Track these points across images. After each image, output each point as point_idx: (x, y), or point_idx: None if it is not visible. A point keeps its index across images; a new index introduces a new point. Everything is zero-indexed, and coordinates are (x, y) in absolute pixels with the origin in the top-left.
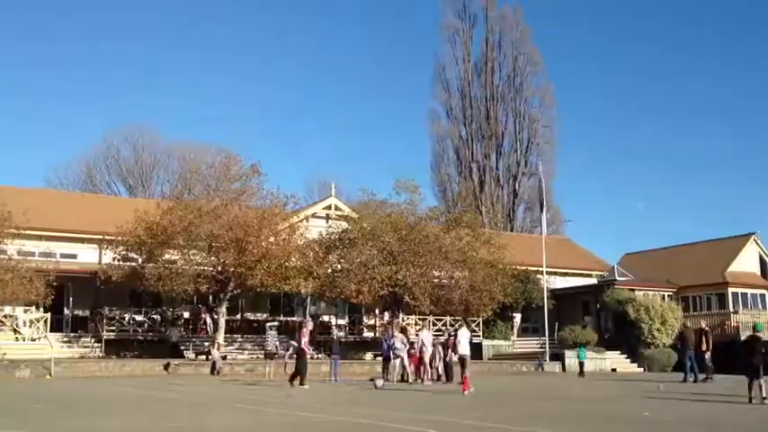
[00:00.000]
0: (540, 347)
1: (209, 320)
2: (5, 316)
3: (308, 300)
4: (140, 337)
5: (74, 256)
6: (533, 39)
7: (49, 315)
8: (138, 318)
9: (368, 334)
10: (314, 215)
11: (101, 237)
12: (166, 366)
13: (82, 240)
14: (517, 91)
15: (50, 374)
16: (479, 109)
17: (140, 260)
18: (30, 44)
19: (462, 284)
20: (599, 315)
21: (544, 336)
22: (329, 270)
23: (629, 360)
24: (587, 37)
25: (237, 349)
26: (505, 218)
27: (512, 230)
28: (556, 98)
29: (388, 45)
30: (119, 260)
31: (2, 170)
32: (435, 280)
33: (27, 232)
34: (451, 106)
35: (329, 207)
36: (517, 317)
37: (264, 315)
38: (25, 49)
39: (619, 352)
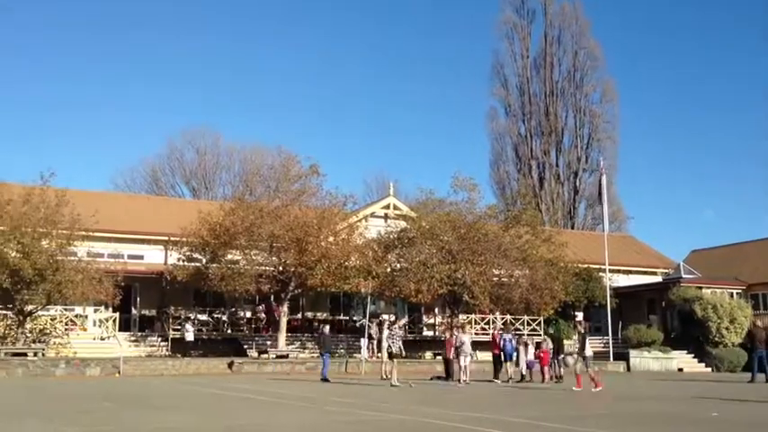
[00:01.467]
0: (604, 347)
1: (265, 315)
2: (76, 316)
3: (368, 299)
4: (204, 336)
5: (140, 257)
6: (593, 33)
7: (117, 315)
8: (203, 317)
9: (427, 333)
10: (372, 215)
11: (166, 238)
12: (230, 365)
13: (148, 242)
14: (577, 86)
15: (119, 372)
16: (538, 105)
17: (204, 260)
18: (94, 49)
19: (522, 283)
20: (664, 314)
21: (607, 335)
22: (388, 269)
23: (696, 360)
24: (651, 29)
25: (298, 348)
26: (566, 215)
27: (572, 228)
28: (618, 93)
29: (446, 43)
30: (183, 261)
31: (71, 174)
32: (495, 278)
33: (96, 234)
34: (510, 103)
35: (388, 206)
36: (579, 316)
37: (325, 314)
38: (89, 54)
39: (685, 351)
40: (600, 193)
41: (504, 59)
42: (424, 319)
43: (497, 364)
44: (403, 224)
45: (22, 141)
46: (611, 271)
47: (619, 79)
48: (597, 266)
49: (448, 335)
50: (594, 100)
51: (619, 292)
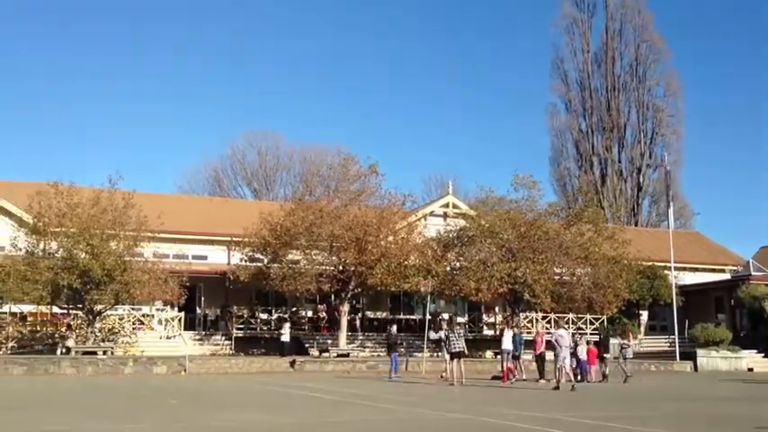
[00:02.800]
0: (670, 346)
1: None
2: (144, 315)
3: (428, 298)
4: (266, 335)
5: (204, 258)
6: (656, 26)
7: (182, 314)
8: (264, 316)
9: (488, 332)
10: (431, 213)
11: (229, 239)
12: (292, 363)
13: (211, 242)
14: (640, 80)
15: (185, 371)
16: (600, 100)
17: (266, 260)
18: (155, 53)
19: (585, 281)
20: (733, 312)
21: (673, 334)
22: (448, 268)
23: (767, 359)
24: (715, 21)
25: (359, 347)
26: (629, 212)
27: (636, 225)
28: (682, 86)
29: (504, 39)
30: (245, 261)
31: (137, 177)
32: (556, 277)
33: (161, 235)
34: (570, 99)
35: (447, 205)
36: (644, 314)
37: (384, 313)
38: (152, 58)
39: (755, 351)
40: (667, 190)
41: (564, 54)
42: (484, 317)
43: (541, 363)
44: (462, 223)
45: (90, 146)
46: (676, 269)
47: (683, 72)
48: (662, 264)
49: (537, 331)
50: (658, 94)
51: (685, 290)
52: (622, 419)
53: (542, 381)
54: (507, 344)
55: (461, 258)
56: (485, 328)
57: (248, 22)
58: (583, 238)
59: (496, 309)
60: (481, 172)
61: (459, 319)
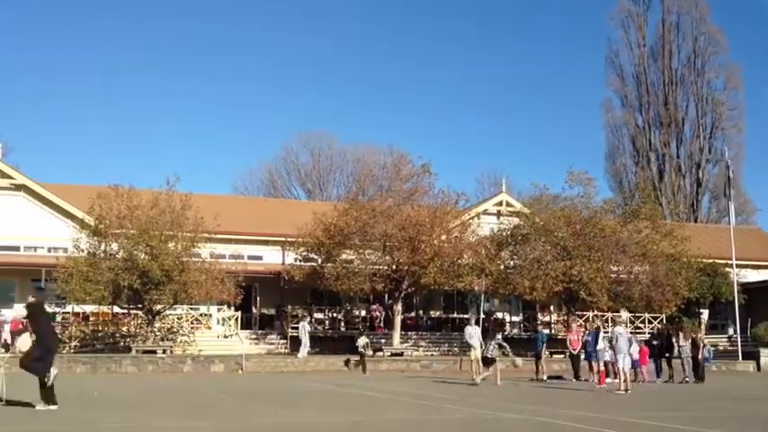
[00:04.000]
0: (731, 345)
1: (383, 318)
2: (201, 315)
3: (482, 297)
4: (321, 335)
5: (259, 258)
6: (714, 17)
7: (239, 313)
8: (319, 316)
9: (543, 331)
10: (485, 212)
11: (283, 239)
12: (347, 362)
13: (266, 243)
14: (698, 74)
15: (241, 369)
16: (656, 95)
17: (320, 260)
18: (212, 56)
19: (643, 279)
20: None
21: (735, 333)
22: (501, 267)
23: None
24: None
25: (413, 346)
26: (688, 208)
27: (696, 221)
28: (743, 79)
29: (558, 34)
30: (300, 261)
31: (194, 179)
32: (613, 275)
33: (218, 236)
34: (626, 94)
35: (500, 203)
36: (704, 313)
37: (438, 312)
38: (212, 61)
39: None
40: (727, 186)
41: (620, 48)
42: (539, 316)
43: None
44: (516, 221)
45: (148, 148)
46: (738, 266)
47: (743, 65)
48: (723, 261)
49: (575, 328)
50: (717, 87)
51: (747, 288)
52: (680, 420)
53: (574, 381)
54: (600, 344)
55: (515, 257)
56: (540, 327)
57: (303, 23)
58: (640, 235)
59: (551, 308)
60: (535, 169)
61: (514, 318)
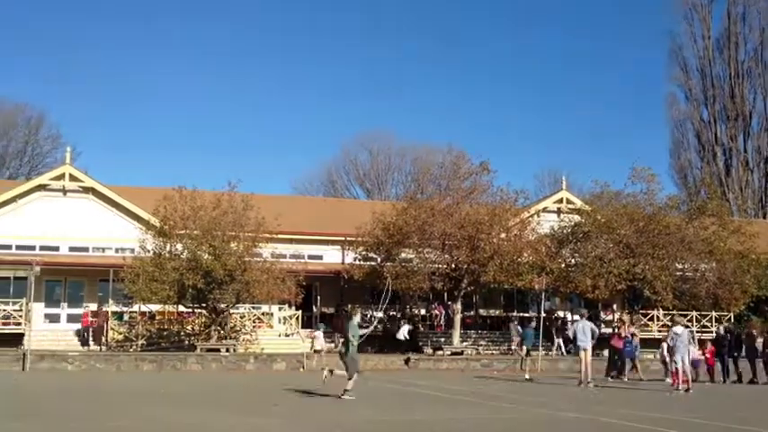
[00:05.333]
0: None
1: (442, 317)
2: (263, 313)
3: (543, 295)
4: (380, 333)
5: (320, 257)
6: None
7: (300, 312)
8: (378, 315)
9: (605, 330)
10: (545, 210)
11: (343, 238)
12: (407, 361)
13: (326, 242)
14: (766, 65)
15: (303, 367)
16: (722, 88)
17: (379, 259)
18: (271, 58)
19: (709, 277)
20: None
21: None
22: (563, 265)
23: None
24: None
25: (473, 345)
26: (757, 204)
27: (765, 217)
28: None
29: (618, 28)
30: (359, 260)
31: (255, 180)
32: (678, 273)
33: (278, 236)
34: (690, 87)
35: (560, 201)
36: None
37: (498, 311)
38: (271, 63)
39: None
40: None
41: (684, 42)
42: (602, 315)
43: (613, 359)
44: (577, 218)
45: (210, 150)
46: None
47: None
48: None
49: (625, 324)
50: None
51: None
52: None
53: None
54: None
55: (576, 255)
56: (602, 325)
57: (359, 24)
58: (706, 232)
59: (614, 306)
60: (595, 167)
61: (576, 317)
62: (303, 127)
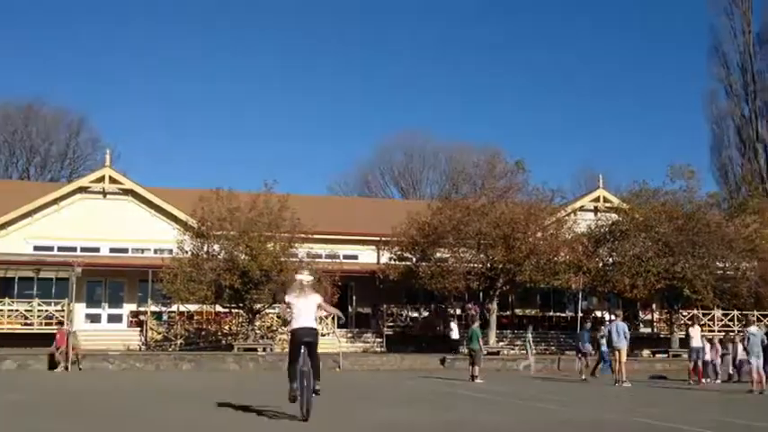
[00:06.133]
0: None
1: (478, 317)
2: None
3: (579, 295)
4: (416, 333)
5: (355, 257)
6: None
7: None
8: (414, 314)
9: (644, 329)
10: (581, 208)
11: (378, 238)
12: (443, 361)
13: (362, 242)
14: None
15: (339, 367)
16: (764, 84)
17: (414, 259)
18: (307, 58)
19: (751, 276)
20: None
21: None
22: (600, 264)
23: None
24: None
25: (509, 345)
26: None
27: None
28: None
29: (656, 23)
30: (395, 260)
31: (291, 181)
32: (719, 272)
33: (314, 236)
34: (731, 83)
35: (597, 199)
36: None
37: (534, 311)
38: (306, 63)
39: None
40: None
41: (723, 36)
42: (641, 315)
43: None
44: (614, 217)
45: (248, 152)
46: None
47: None
48: None
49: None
50: None
51: None
52: None
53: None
54: (697, 342)
55: (614, 254)
56: (641, 325)
57: (393, 24)
58: (748, 230)
59: (653, 306)
60: (633, 164)
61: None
62: (338, 128)
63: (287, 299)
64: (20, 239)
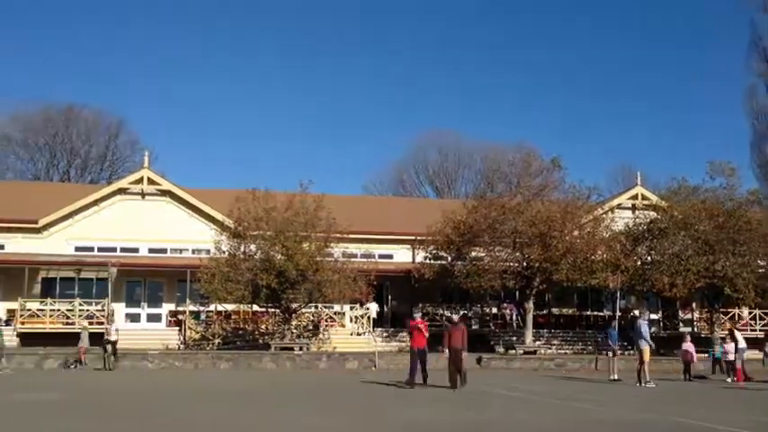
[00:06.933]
0: None
1: (514, 315)
2: (335, 313)
3: (617, 294)
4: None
5: (390, 257)
6: None
7: (371, 311)
8: (449, 313)
9: (684, 329)
10: (619, 206)
11: (413, 237)
12: (478, 360)
13: (397, 242)
14: None
15: (374, 366)
16: None
17: (449, 258)
18: (335, 56)
19: None
20: None
21: None
22: (638, 262)
23: None
24: None
25: (545, 344)
26: None
27: None
28: None
29: (695, 18)
30: (430, 259)
31: (326, 181)
32: (761, 270)
33: (349, 236)
34: None
35: (635, 197)
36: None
37: (571, 310)
38: (334, 61)
39: None
40: None
41: (764, 31)
42: (680, 314)
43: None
44: (652, 214)
45: (284, 152)
46: None
47: None
48: None
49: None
50: None
51: None
52: None
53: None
54: (743, 342)
55: (653, 252)
56: (681, 325)
57: (427, 22)
58: None
59: (693, 305)
60: (671, 161)
61: (653, 316)
62: (373, 127)
63: None
64: (61, 240)
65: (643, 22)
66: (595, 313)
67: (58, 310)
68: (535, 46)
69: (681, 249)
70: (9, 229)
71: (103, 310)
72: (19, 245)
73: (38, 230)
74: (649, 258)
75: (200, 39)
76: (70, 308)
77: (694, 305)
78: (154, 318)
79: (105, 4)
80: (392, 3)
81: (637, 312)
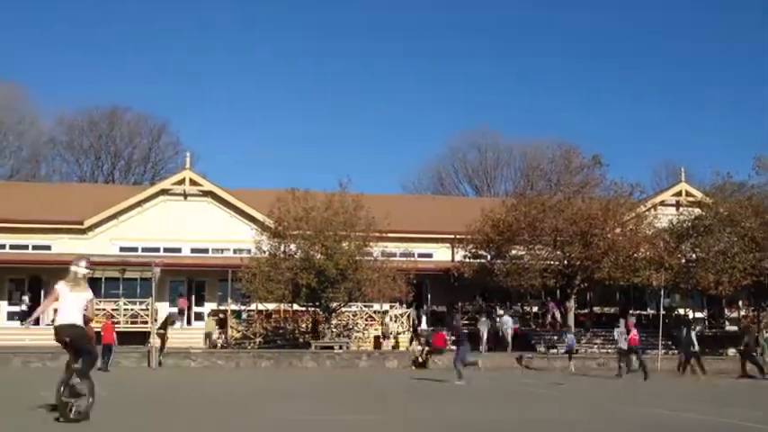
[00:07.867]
0: None
1: (557, 314)
2: (375, 312)
3: (662, 292)
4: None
5: (429, 255)
6: None
7: (410, 311)
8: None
9: (730, 328)
10: (662, 203)
11: (452, 236)
12: (519, 359)
13: (436, 240)
14: None
15: (414, 365)
16: None
17: (489, 257)
18: (373, 57)
19: None
20: None
21: None
22: (682, 260)
23: None
24: None
25: (587, 343)
26: None
27: None
28: None
29: (738, 12)
30: (469, 257)
31: (365, 180)
32: None
33: (389, 235)
34: None
35: (679, 193)
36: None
37: (614, 309)
38: (371, 61)
39: None
40: None
41: None
42: (726, 312)
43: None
44: (697, 211)
45: (324, 152)
46: None
47: None
48: None
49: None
50: None
51: None
52: None
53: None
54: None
55: (697, 249)
56: (727, 323)
57: (464, 21)
58: None
59: (740, 303)
60: (716, 157)
61: (698, 314)
62: (412, 126)
63: (57, 287)
64: (106, 240)
65: (688, 21)
66: (639, 312)
67: (104, 309)
68: (573, 43)
69: (726, 246)
70: (55, 230)
71: (147, 310)
72: (65, 245)
73: (83, 231)
74: (694, 256)
75: (241, 42)
76: (115, 307)
77: (741, 303)
78: (197, 317)
79: (149, 7)
80: (431, 2)
81: (682, 311)
